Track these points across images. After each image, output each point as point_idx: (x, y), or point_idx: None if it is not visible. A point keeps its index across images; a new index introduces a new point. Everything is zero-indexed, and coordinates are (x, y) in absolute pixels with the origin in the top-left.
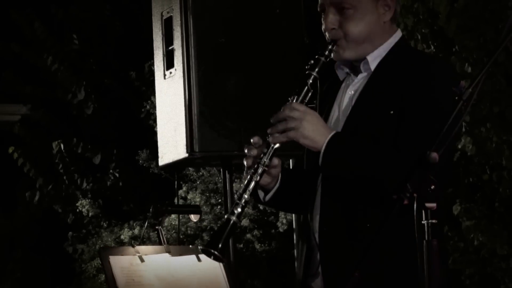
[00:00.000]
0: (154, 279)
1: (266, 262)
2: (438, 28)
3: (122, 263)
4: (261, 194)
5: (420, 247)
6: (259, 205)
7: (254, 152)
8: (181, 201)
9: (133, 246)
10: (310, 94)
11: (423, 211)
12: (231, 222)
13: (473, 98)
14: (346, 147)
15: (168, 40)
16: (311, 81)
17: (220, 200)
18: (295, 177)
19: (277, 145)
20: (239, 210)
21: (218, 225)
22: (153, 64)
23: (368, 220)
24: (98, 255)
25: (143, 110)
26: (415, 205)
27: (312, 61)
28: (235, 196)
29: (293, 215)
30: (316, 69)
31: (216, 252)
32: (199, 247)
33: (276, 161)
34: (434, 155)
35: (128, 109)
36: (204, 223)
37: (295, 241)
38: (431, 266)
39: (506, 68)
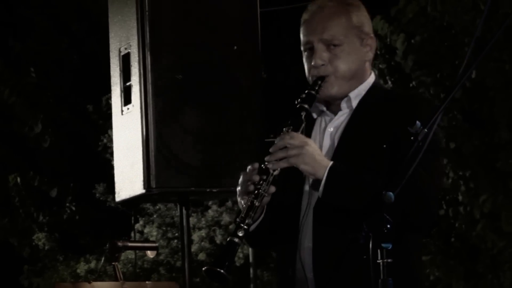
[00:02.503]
0: None
1: None
2: (395, 63)
3: None
4: None
5: (375, 286)
6: (215, 239)
7: (256, 178)
8: (138, 235)
9: (89, 282)
10: (303, 126)
11: (378, 251)
12: (235, 243)
13: (429, 138)
14: (347, 177)
15: (125, 76)
16: (304, 113)
17: (176, 234)
18: (276, 210)
19: (276, 172)
20: (242, 233)
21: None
22: (110, 98)
23: (364, 251)
24: None
25: (100, 143)
26: (370, 244)
27: (304, 95)
28: (237, 220)
29: (250, 249)
30: (309, 103)
31: (222, 271)
32: (203, 269)
33: (273, 188)
34: (390, 194)
35: (85, 142)
36: (161, 257)
37: (251, 275)
38: None
39: (463, 104)
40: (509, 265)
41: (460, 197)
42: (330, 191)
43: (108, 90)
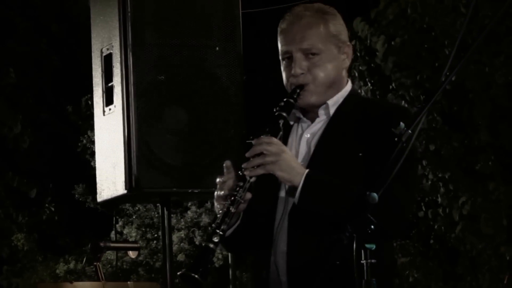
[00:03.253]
0: None
1: None
2: (376, 65)
3: None
4: None
5: (359, 287)
6: (195, 240)
7: (230, 183)
8: (117, 236)
9: (71, 282)
10: (281, 134)
11: (362, 251)
12: (210, 249)
13: (412, 140)
14: (323, 184)
15: (107, 76)
16: (282, 121)
17: (156, 235)
18: (251, 215)
19: (253, 179)
20: (218, 239)
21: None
22: (90, 99)
23: (337, 257)
24: None
25: (79, 144)
26: (354, 245)
27: (282, 103)
28: (213, 225)
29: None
30: (287, 111)
31: (196, 276)
32: (178, 273)
33: (249, 195)
34: (374, 195)
35: (64, 143)
36: (140, 258)
37: (230, 277)
38: None
39: (442, 107)
40: (488, 267)
41: (439, 199)
42: (306, 198)
43: (88, 91)
